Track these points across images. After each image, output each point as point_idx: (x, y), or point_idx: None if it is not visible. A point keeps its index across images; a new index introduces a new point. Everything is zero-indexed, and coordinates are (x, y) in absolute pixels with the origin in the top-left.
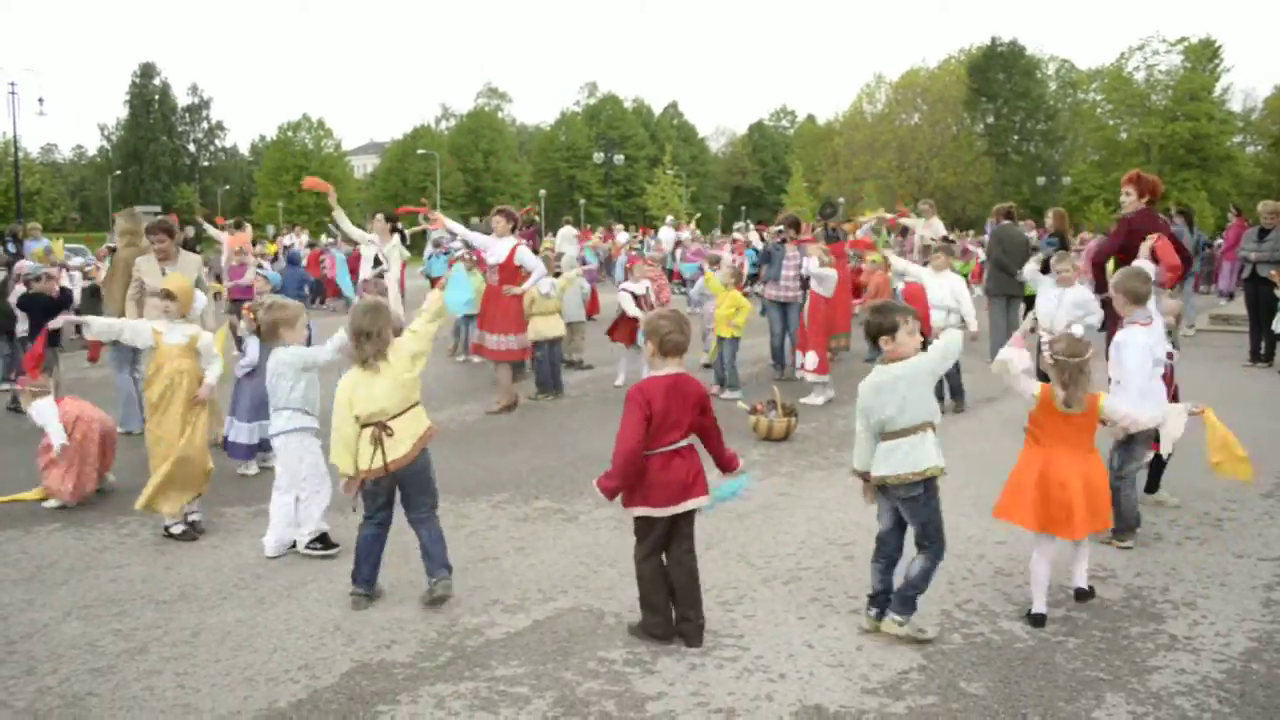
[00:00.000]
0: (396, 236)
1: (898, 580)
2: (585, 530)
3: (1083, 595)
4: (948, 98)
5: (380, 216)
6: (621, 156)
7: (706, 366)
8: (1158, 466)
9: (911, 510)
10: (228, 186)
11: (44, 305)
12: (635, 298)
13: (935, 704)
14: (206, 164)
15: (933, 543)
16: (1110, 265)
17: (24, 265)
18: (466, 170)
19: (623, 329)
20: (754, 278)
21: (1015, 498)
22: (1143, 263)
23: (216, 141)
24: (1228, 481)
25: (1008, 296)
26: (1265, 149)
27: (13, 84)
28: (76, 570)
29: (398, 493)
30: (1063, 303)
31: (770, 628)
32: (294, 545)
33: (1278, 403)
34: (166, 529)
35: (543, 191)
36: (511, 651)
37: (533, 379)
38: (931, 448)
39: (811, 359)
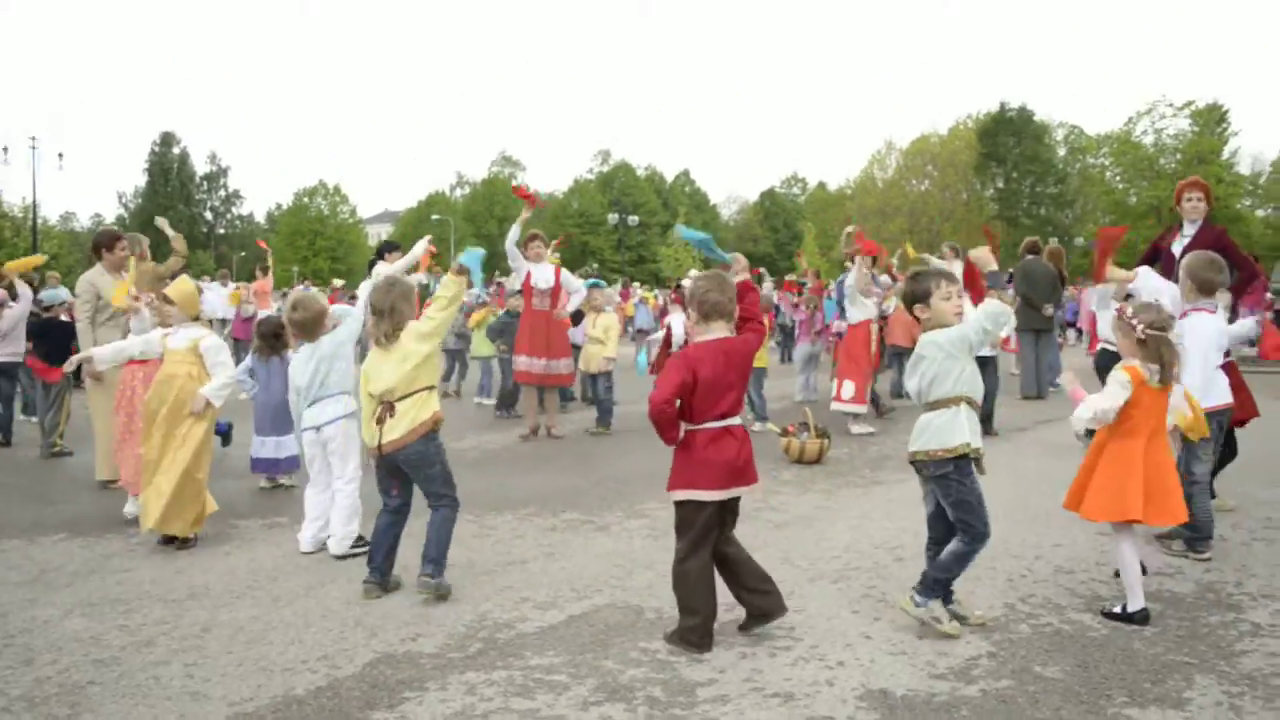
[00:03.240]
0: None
1: None
2: (617, 539)
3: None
4: (958, 163)
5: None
6: (636, 218)
7: None
8: (1226, 458)
9: (943, 489)
10: (244, 253)
11: (63, 329)
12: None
13: (1011, 687)
14: (222, 231)
15: (969, 526)
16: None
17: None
18: (481, 236)
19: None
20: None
21: (1122, 493)
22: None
23: (233, 209)
24: None
25: (1036, 331)
26: (1274, 211)
27: (33, 139)
28: (81, 574)
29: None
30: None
31: (823, 621)
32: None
33: None
34: (161, 536)
35: (557, 255)
36: (546, 643)
37: (592, 410)
38: (965, 424)
39: (849, 388)
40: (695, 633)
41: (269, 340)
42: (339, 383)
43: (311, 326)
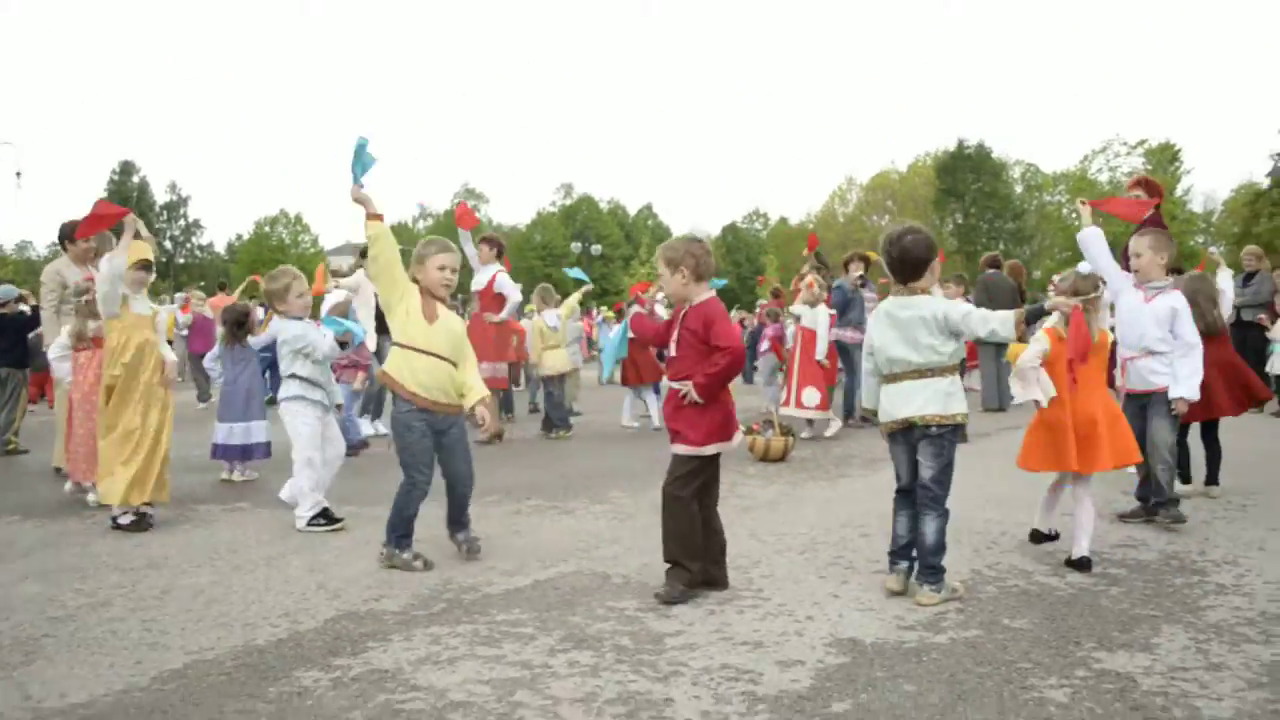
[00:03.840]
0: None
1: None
2: (582, 520)
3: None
4: (917, 198)
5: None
6: (599, 248)
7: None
8: (1215, 459)
9: (936, 449)
10: (203, 283)
11: (16, 325)
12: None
13: (980, 636)
14: (182, 261)
15: (943, 492)
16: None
17: None
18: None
19: (630, 370)
20: None
21: (1041, 446)
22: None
23: (193, 239)
24: (1249, 478)
25: (997, 346)
26: (1227, 247)
27: None
28: (36, 548)
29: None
30: None
31: (790, 584)
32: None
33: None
34: (114, 519)
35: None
36: (513, 603)
37: (538, 417)
38: (960, 393)
39: (812, 395)
40: (686, 576)
41: (233, 328)
42: (287, 367)
43: (280, 294)
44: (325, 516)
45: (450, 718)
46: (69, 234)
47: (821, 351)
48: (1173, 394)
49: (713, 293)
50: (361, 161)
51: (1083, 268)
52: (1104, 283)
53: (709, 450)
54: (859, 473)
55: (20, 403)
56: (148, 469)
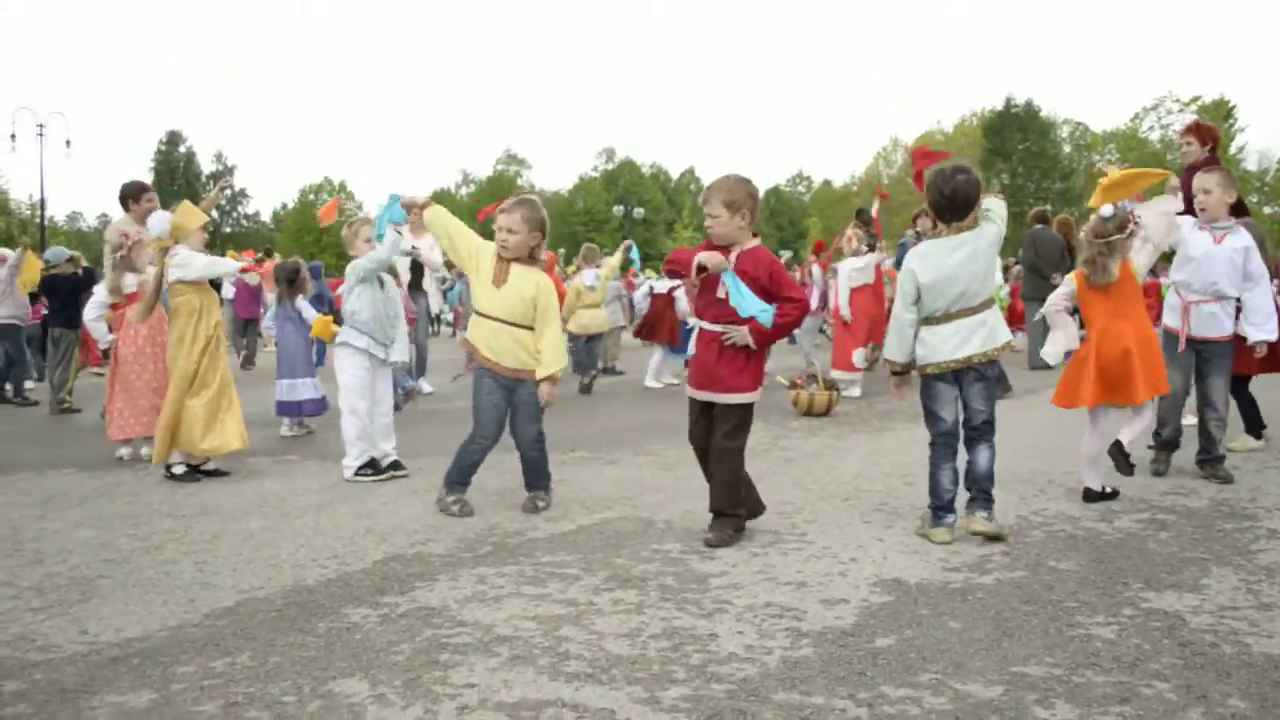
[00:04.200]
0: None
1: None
2: (626, 470)
3: (1092, 496)
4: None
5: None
6: (641, 211)
7: None
8: (1254, 412)
9: (987, 389)
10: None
11: (68, 286)
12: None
13: (1026, 576)
14: (229, 230)
15: (992, 417)
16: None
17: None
18: (487, 234)
19: (659, 328)
20: None
21: (1071, 382)
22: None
23: (240, 208)
24: None
25: (1043, 300)
26: None
27: (40, 126)
28: (90, 497)
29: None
30: None
31: (835, 529)
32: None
33: None
34: (168, 469)
35: (562, 250)
36: (558, 546)
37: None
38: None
39: (860, 356)
40: (740, 524)
41: (284, 285)
42: (346, 312)
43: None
44: (373, 467)
45: (497, 650)
46: (132, 193)
47: (842, 308)
48: (1253, 337)
49: (759, 239)
50: (390, 214)
51: (1105, 210)
52: (1136, 221)
53: (755, 396)
54: (903, 426)
55: (73, 363)
56: (237, 417)
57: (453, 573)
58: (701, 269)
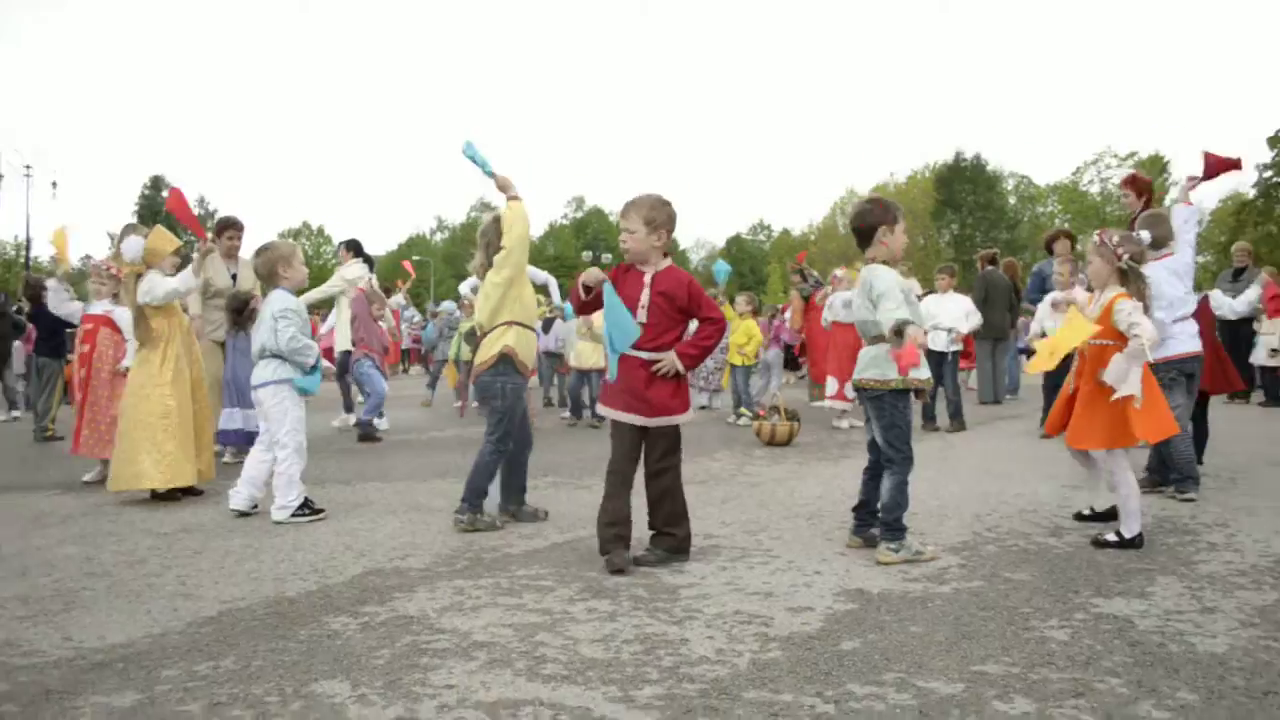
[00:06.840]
0: (359, 262)
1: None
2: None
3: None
4: (915, 209)
5: (342, 245)
6: (609, 255)
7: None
8: (1201, 437)
9: (877, 411)
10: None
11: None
12: None
13: (982, 586)
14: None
15: (899, 452)
16: None
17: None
18: (460, 277)
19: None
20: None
21: (1057, 413)
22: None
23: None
24: (1233, 456)
25: (994, 340)
26: (1213, 257)
27: (28, 167)
28: (75, 516)
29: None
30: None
31: (798, 545)
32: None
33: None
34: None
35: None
36: (533, 560)
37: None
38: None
39: (832, 385)
40: (677, 545)
41: (234, 315)
42: (284, 345)
43: (266, 272)
44: (308, 505)
45: (475, 655)
46: (215, 230)
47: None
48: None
49: (670, 260)
50: (481, 157)
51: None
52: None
53: (689, 416)
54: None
55: (56, 391)
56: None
57: (431, 585)
58: (588, 289)
